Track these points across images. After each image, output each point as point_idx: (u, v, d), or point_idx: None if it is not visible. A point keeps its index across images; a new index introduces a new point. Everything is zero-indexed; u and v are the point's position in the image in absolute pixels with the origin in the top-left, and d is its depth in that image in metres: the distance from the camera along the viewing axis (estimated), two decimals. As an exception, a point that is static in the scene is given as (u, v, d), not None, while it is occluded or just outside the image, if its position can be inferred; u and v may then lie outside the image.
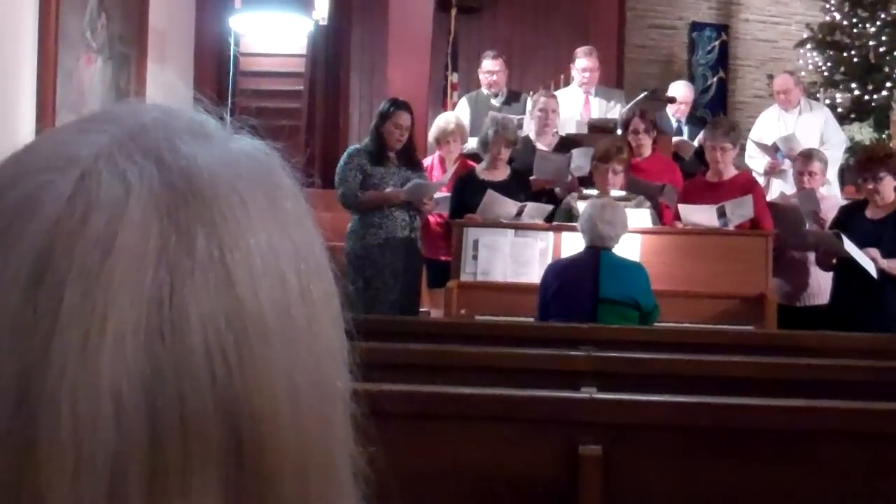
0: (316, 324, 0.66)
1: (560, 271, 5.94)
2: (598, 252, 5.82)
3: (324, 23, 9.81)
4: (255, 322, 0.62)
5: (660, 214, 7.13)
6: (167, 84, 8.34)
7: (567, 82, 9.54)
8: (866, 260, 6.23)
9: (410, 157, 7.28)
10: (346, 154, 7.28)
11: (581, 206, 6.41)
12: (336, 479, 0.69)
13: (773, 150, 8.62)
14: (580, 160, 7.45)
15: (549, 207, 7.08)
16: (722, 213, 6.83)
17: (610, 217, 5.85)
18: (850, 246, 6.23)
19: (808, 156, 7.43)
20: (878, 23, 12.44)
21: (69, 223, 0.60)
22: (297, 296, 0.65)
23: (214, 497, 0.61)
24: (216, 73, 9.58)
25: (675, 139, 8.97)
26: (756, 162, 8.99)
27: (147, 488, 0.59)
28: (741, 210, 6.83)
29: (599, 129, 8.45)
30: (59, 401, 0.57)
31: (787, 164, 8.47)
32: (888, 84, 12.09)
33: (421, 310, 7.53)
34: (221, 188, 0.63)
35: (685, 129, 9.37)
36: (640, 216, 6.89)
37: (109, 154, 0.63)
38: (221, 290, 0.61)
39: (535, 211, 7.02)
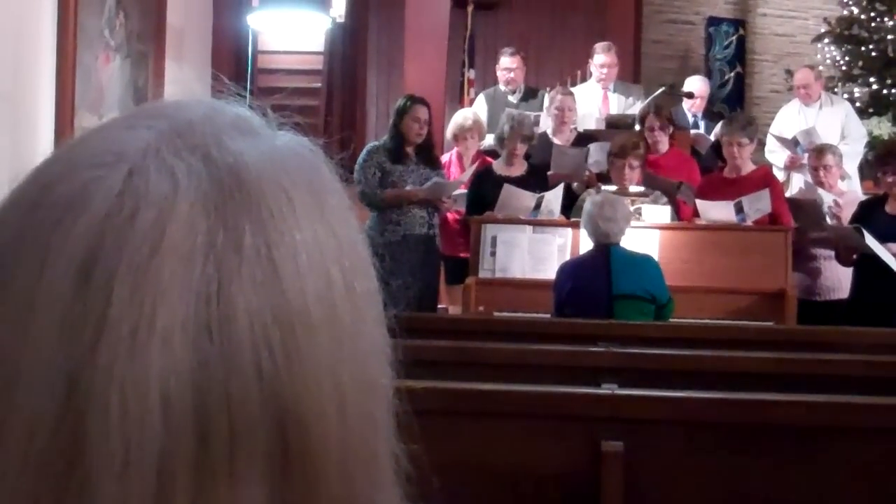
0: (360, 321, 0.67)
1: (572, 271, 5.93)
2: (607, 248, 5.82)
3: (341, 20, 9.81)
4: (301, 318, 0.62)
5: (677, 211, 7.12)
6: (185, 82, 8.40)
7: (585, 78, 9.53)
8: (888, 255, 6.21)
9: (429, 155, 7.29)
10: (364, 151, 7.29)
11: (598, 202, 6.40)
12: (380, 478, 0.69)
13: (793, 144, 8.59)
14: (597, 155, 7.44)
15: (562, 192, 7.07)
16: (740, 209, 6.82)
17: (609, 213, 5.84)
18: (871, 241, 6.21)
19: (820, 150, 7.42)
20: (897, 16, 12.38)
21: (118, 219, 0.61)
22: (341, 292, 0.65)
23: (260, 494, 0.61)
24: (234, 71, 9.60)
25: (692, 132, 8.95)
26: (776, 156, 8.96)
27: (193, 485, 0.59)
28: (759, 204, 6.81)
29: (617, 125, 8.44)
30: (108, 396, 0.58)
31: (807, 158, 8.43)
32: (907, 78, 12.04)
33: (439, 306, 7.54)
34: (267, 184, 0.64)
35: (701, 124, 9.34)
36: (657, 212, 6.88)
37: (157, 150, 0.64)
38: (268, 286, 0.61)
39: (553, 198, 7.02)
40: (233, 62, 9.62)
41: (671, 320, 5.92)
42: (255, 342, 0.60)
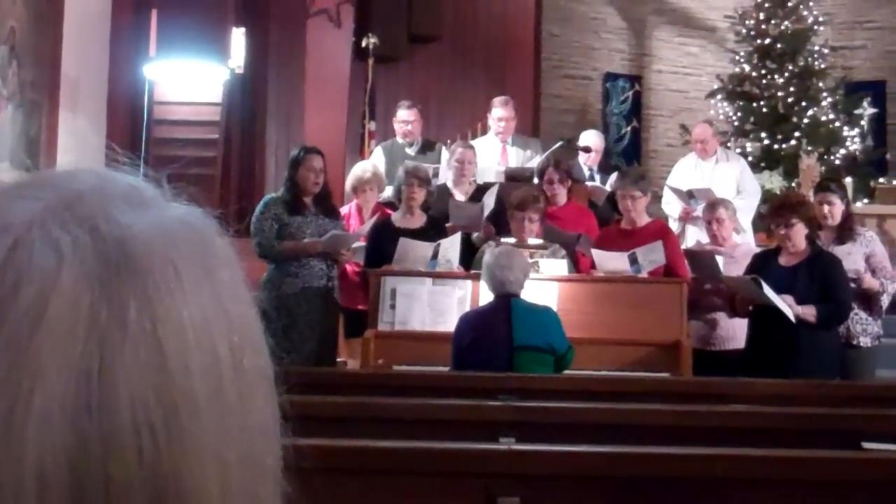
0: (248, 399, 0.65)
1: (473, 322, 5.93)
2: (508, 300, 5.83)
3: (240, 71, 9.74)
4: (185, 397, 0.61)
5: (576, 263, 7.18)
6: (79, 132, 8.26)
7: (485, 131, 9.60)
8: (784, 305, 6.31)
9: (327, 205, 7.24)
10: (261, 203, 7.22)
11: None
12: None
13: (688, 196, 8.74)
14: (489, 200, 7.51)
15: (459, 240, 7.08)
16: (634, 260, 6.89)
17: (506, 262, 5.86)
18: (768, 291, 6.31)
19: (712, 204, 7.55)
20: (787, 74, 12.79)
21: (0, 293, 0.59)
22: (229, 370, 0.64)
23: None
24: (130, 122, 9.46)
25: (588, 185, 9.06)
26: (672, 208, 9.11)
27: None
28: (652, 256, 6.90)
29: (516, 178, 8.50)
30: None
31: (700, 211, 8.58)
32: (797, 133, 12.41)
33: (338, 360, 7.45)
34: (156, 259, 0.62)
35: (597, 178, 9.48)
36: (556, 265, 6.92)
37: (43, 222, 0.62)
38: (152, 364, 0.60)
39: (449, 245, 7.02)
40: (129, 113, 9.48)
41: (570, 372, 5.93)
42: (137, 422, 0.59)
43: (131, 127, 9.45)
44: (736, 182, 9.07)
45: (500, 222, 7.39)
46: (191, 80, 9.35)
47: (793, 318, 6.30)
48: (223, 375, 0.63)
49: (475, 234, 7.47)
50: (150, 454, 0.58)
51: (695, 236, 8.53)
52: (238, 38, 9.72)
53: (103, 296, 0.59)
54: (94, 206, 0.64)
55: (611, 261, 6.94)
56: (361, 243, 7.37)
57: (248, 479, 0.64)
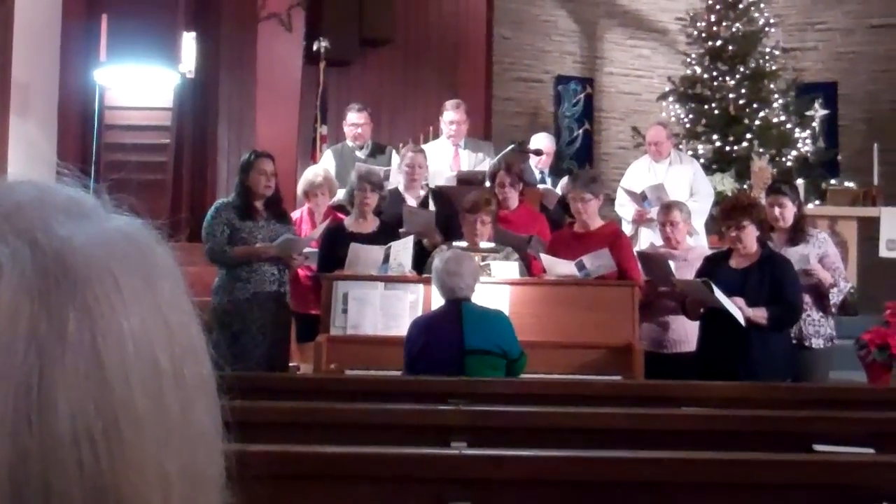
0: (190, 410, 0.65)
1: (424, 326, 5.92)
2: (458, 304, 5.82)
3: (191, 75, 9.68)
4: (125, 409, 0.61)
5: (528, 266, 7.18)
6: (29, 138, 8.17)
7: (437, 134, 9.58)
8: (734, 307, 6.34)
9: (278, 210, 7.20)
10: (213, 208, 7.17)
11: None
12: None
13: (641, 198, 8.76)
14: (399, 249, 7.48)
15: (411, 243, 7.07)
16: (582, 266, 6.90)
17: (454, 268, 5.85)
18: (719, 294, 6.33)
19: (667, 207, 7.59)
20: (738, 76, 12.88)
21: None
22: (170, 381, 0.64)
23: None
24: (81, 127, 9.38)
25: (540, 188, 9.07)
26: (625, 210, 9.13)
27: None
28: (599, 262, 6.91)
29: (468, 181, 8.49)
30: None
31: (654, 213, 8.61)
32: (748, 135, 12.50)
33: (291, 364, 7.42)
34: (95, 270, 0.62)
35: (549, 180, 9.50)
36: (508, 268, 6.92)
37: None
38: (92, 376, 0.60)
39: (401, 248, 7.00)
40: (79, 118, 9.41)
41: (521, 376, 5.93)
42: (77, 434, 0.58)
43: (82, 132, 9.38)
44: (689, 184, 9.10)
45: (452, 226, 7.37)
46: (142, 84, 9.32)
47: (743, 322, 6.33)
48: (164, 386, 0.63)
49: (426, 240, 7.45)
50: (90, 467, 0.58)
51: (648, 238, 8.56)
52: (189, 42, 9.67)
53: (42, 308, 0.59)
54: (33, 217, 0.63)
55: (559, 267, 6.94)
56: (313, 248, 7.34)
57: (190, 490, 0.64)
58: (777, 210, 7.10)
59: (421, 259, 7.16)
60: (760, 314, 6.40)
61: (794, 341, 6.84)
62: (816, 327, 6.94)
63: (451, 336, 5.75)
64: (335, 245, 7.16)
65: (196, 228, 7.25)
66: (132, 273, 0.64)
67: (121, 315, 0.62)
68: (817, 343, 6.94)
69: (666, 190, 8.47)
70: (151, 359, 0.63)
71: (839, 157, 13.38)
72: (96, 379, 0.60)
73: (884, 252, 10.14)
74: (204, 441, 0.66)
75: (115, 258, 0.64)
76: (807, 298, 6.87)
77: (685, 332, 7.09)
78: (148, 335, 0.63)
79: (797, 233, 7.09)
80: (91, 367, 0.60)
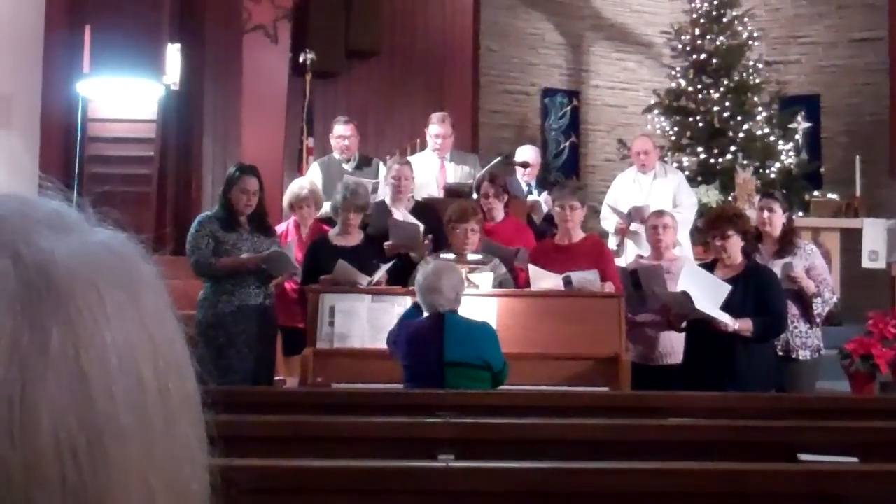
0: (174, 424, 0.65)
1: (407, 337, 5.87)
2: (442, 316, 5.79)
3: (175, 87, 9.65)
4: (109, 423, 0.60)
5: (515, 278, 7.17)
6: (11, 150, 8.13)
7: (423, 147, 9.59)
8: (718, 312, 6.35)
9: (262, 223, 7.17)
10: (196, 222, 7.14)
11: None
12: None
13: (626, 215, 8.77)
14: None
15: (389, 266, 7.07)
16: (568, 282, 6.90)
17: (434, 283, 5.80)
18: (700, 301, 6.36)
19: (660, 211, 7.61)
20: (722, 89, 12.94)
21: None
22: (154, 395, 0.63)
23: None
24: (63, 139, 9.34)
25: (528, 200, 9.07)
26: (609, 223, 9.13)
27: None
28: (586, 282, 6.90)
29: (455, 193, 8.50)
30: None
31: (635, 227, 8.63)
32: (732, 148, 12.55)
33: (277, 378, 7.39)
34: (79, 284, 0.62)
35: (536, 193, 9.49)
36: (489, 280, 6.91)
37: None
38: (75, 390, 0.59)
39: (383, 272, 7.00)
40: (62, 130, 9.36)
41: (508, 388, 5.92)
42: (59, 448, 0.58)
43: (65, 144, 9.33)
44: (673, 195, 9.11)
45: (439, 238, 7.37)
46: (125, 96, 9.27)
47: (728, 321, 6.33)
48: (148, 401, 0.62)
49: (413, 254, 7.43)
50: (73, 482, 0.58)
51: (633, 251, 8.57)
52: (173, 54, 9.65)
53: (25, 321, 0.59)
54: (16, 231, 0.63)
55: (546, 280, 6.94)
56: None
57: None
58: (766, 214, 7.14)
59: (407, 271, 7.14)
60: (746, 326, 6.42)
61: (780, 353, 6.87)
62: (803, 339, 6.97)
63: (430, 348, 5.72)
64: (320, 258, 7.14)
65: (181, 242, 7.23)
66: (116, 287, 0.64)
67: (104, 329, 0.61)
68: (804, 354, 6.97)
69: (649, 210, 8.46)
70: (135, 373, 0.62)
71: (822, 170, 13.44)
72: (79, 393, 0.59)
73: (866, 263, 10.18)
74: (188, 456, 0.66)
75: (99, 272, 0.64)
76: (794, 310, 6.90)
77: (672, 345, 7.10)
78: (132, 349, 0.63)
79: (785, 244, 7.12)
80: (74, 381, 0.59)
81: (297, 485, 3.23)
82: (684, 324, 6.72)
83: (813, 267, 7.08)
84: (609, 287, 7.00)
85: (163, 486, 0.63)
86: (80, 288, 0.62)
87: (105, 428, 0.60)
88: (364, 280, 6.90)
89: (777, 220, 7.14)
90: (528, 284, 7.11)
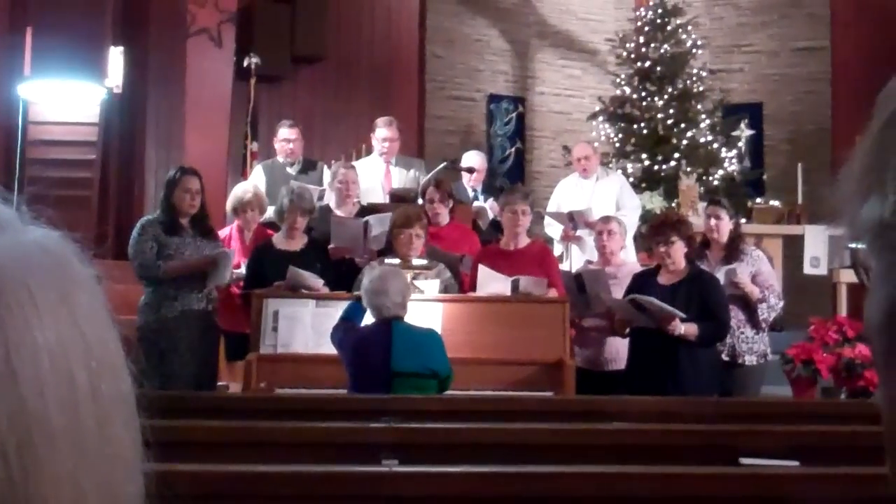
0: (107, 425, 0.63)
1: (353, 343, 5.84)
2: (389, 324, 5.76)
3: (118, 91, 9.56)
4: (39, 424, 0.59)
5: (460, 283, 7.17)
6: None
7: (368, 151, 9.56)
8: (669, 307, 6.39)
9: (203, 227, 7.11)
10: (138, 225, 7.07)
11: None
12: None
13: (567, 218, 8.81)
14: (378, 227, 7.43)
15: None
16: (516, 287, 6.92)
17: (380, 287, 5.77)
18: (645, 299, 6.41)
19: (607, 217, 7.66)
20: (666, 96, 13.03)
21: None
22: (86, 396, 0.62)
23: None
24: (4, 142, 9.21)
25: (473, 206, 9.08)
26: (553, 229, 9.17)
27: None
28: (534, 288, 6.92)
29: (400, 198, 8.48)
30: None
31: (580, 232, 8.67)
32: (676, 154, 12.64)
33: (220, 383, 7.33)
34: (9, 283, 0.60)
35: (481, 198, 9.50)
36: (434, 286, 6.90)
37: None
38: (5, 390, 0.58)
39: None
40: (3, 133, 9.24)
41: (453, 393, 5.91)
42: None
43: (5, 147, 9.20)
44: (616, 198, 9.17)
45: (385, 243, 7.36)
46: (67, 99, 9.16)
47: (680, 316, 6.37)
48: (80, 401, 0.61)
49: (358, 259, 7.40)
50: (3, 482, 0.56)
51: (579, 256, 8.60)
52: (116, 56, 9.56)
53: None
54: None
55: (494, 281, 6.95)
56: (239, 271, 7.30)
57: None
58: (713, 221, 7.22)
59: (351, 276, 7.11)
60: (691, 330, 6.47)
61: (726, 358, 6.94)
62: (749, 344, 7.04)
63: (378, 357, 5.68)
64: (264, 263, 7.10)
65: (122, 246, 7.15)
66: (48, 286, 0.62)
67: (35, 328, 0.60)
68: (750, 360, 7.04)
69: (591, 212, 8.52)
70: (67, 373, 0.61)
71: (764, 177, 13.58)
72: (10, 393, 0.58)
73: (808, 269, 10.30)
74: (122, 458, 0.65)
75: (31, 270, 0.62)
76: (740, 315, 6.97)
77: (616, 351, 7.14)
78: (64, 349, 0.61)
79: (732, 250, 7.19)
80: (4, 381, 0.58)
81: (238, 490, 3.20)
82: (627, 329, 6.77)
83: (759, 272, 7.15)
84: (553, 293, 7.03)
85: (95, 489, 0.61)
86: (11, 287, 0.60)
87: (36, 428, 0.58)
88: (319, 282, 6.87)
89: (724, 227, 7.21)
90: (473, 290, 7.11)
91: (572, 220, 8.74)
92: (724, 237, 7.21)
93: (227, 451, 3.98)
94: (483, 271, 7.00)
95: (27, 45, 9.02)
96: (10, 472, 0.57)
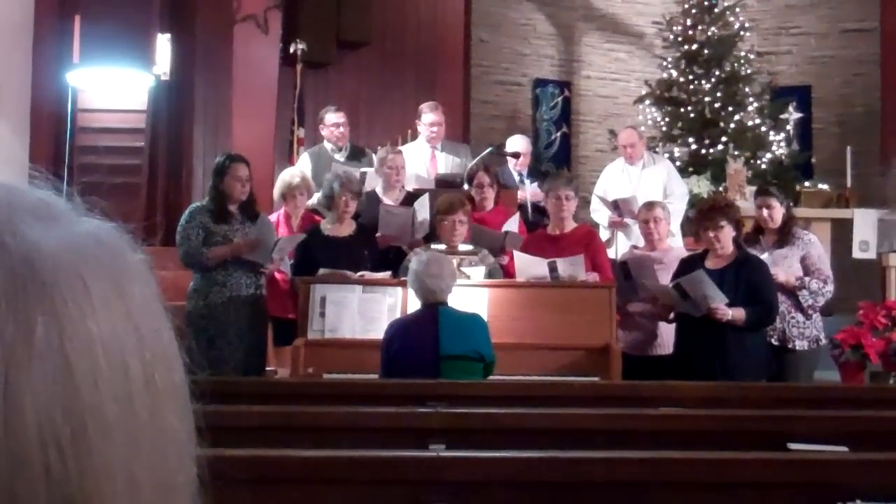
0: (160, 416, 0.64)
1: (400, 330, 5.89)
2: (435, 308, 5.79)
3: (166, 78, 9.62)
4: (94, 414, 0.59)
5: (503, 266, 7.17)
6: (1, 140, 8.10)
7: (414, 137, 9.57)
8: (717, 291, 6.36)
9: (252, 212, 7.15)
10: (186, 213, 7.13)
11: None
12: None
13: (613, 206, 8.77)
14: (420, 213, 7.45)
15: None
16: (553, 268, 6.90)
17: (436, 270, 5.83)
18: (692, 278, 6.38)
19: (650, 204, 7.60)
20: (713, 79, 12.91)
21: None
22: (140, 386, 0.63)
23: None
24: (54, 130, 9.30)
25: (518, 193, 9.06)
26: (600, 215, 9.13)
27: None
28: (572, 269, 6.90)
29: (446, 183, 8.49)
30: None
31: (627, 220, 8.63)
32: (723, 138, 12.54)
33: (268, 369, 7.38)
34: (64, 274, 0.61)
35: (527, 182, 9.48)
36: (480, 272, 6.91)
37: None
38: (59, 381, 0.58)
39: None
40: (52, 120, 9.32)
41: (499, 378, 5.93)
42: (44, 440, 0.57)
43: (55, 135, 9.29)
44: (663, 185, 9.11)
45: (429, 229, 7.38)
46: (115, 86, 9.23)
47: (724, 300, 6.34)
48: (134, 392, 0.62)
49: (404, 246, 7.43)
50: (57, 473, 0.57)
51: (625, 242, 8.57)
52: (164, 44, 9.61)
53: (9, 312, 0.58)
54: (1, 221, 0.62)
55: (531, 266, 6.94)
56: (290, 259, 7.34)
57: (161, 497, 0.63)
58: (766, 212, 7.15)
59: (397, 262, 7.14)
60: (738, 314, 6.43)
61: (776, 343, 6.89)
62: (801, 329, 6.98)
63: (426, 341, 5.72)
64: (311, 248, 7.14)
65: (171, 232, 7.21)
66: (102, 277, 0.63)
67: (90, 320, 0.61)
68: (801, 345, 6.98)
69: (637, 201, 8.48)
70: (121, 364, 0.62)
71: (813, 160, 13.43)
72: (64, 384, 0.58)
73: (857, 253, 10.19)
74: (175, 447, 0.65)
75: (85, 262, 0.63)
76: (791, 300, 6.92)
77: (663, 336, 7.11)
78: (118, 340, 0.62)
79: (785, 234, 7.12)
80: (59, 373, 0.58)
81: (286, 474, 3.23)
82: (672, 314, 6.74)
83: (808, 256, 7.08)
84: (594, 276, 7.01)
85: (148, 478, 0.62)
86: (66, 279, 0.61)
87: (90, 419, 0.59)
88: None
89: (777, 214, 7.14)
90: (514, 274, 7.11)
91: (617, 209, 8.70)
92: (778, 222, 7.15)
93: (275, 435, 4.02)
94: (520, 258, 6.99)
95: (76, 33, 9.09)
96: (65, 462, 0.58)
